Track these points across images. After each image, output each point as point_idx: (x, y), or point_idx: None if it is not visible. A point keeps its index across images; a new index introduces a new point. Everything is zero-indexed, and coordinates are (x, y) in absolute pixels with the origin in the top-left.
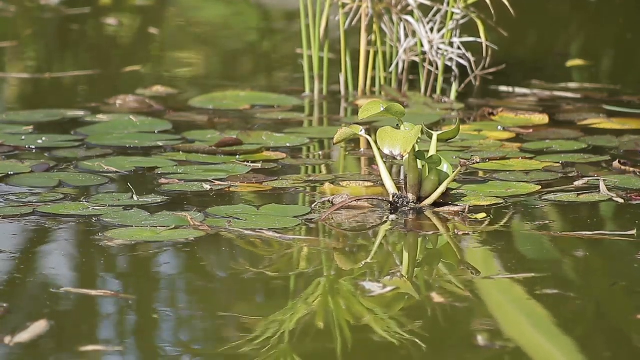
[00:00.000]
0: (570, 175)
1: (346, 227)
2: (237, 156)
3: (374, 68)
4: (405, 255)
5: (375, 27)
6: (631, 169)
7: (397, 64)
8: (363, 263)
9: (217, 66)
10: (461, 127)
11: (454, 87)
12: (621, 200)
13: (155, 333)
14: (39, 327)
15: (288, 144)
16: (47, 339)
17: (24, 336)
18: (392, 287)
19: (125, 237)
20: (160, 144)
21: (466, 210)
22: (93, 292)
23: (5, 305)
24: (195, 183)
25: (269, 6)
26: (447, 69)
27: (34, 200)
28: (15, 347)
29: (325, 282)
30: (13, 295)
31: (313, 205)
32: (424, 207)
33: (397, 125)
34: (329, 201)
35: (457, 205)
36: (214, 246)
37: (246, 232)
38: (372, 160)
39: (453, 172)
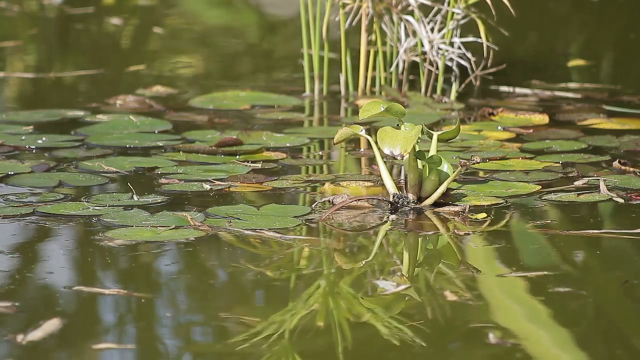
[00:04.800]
0: (570, 175)
1: (346, 227)
2: (237, 156)
3: (374, 68)
4: (406, 255)
5: (375, 27)
6: (631, 169)
7: (398, 64)
8: (363, 263)
9: (217, 66)
10: (461, 127)
11: (454, 87)
12: (621, 200)
13: (160, 332)
14: (51, 325)
15: (288, 144)
16: (59, 338)
17: (37, 334)
18: (405, 286)
19: (126, 237)
20: (160, 144)
21: (466, 210)
22: (106, 292)
23: (16, 304)
24: (195, 183)
25: (269, 6)
26: (448, 69)
27: (34, 200)
28: (28, 345)
29: (326, 282)
30: (22, 295)
31: (313, 205)
32: (424, 207)
33: (398, 125)
34: (329, 201)
35: (457, 205)
36: (214, 246)
37: (246, 232)
38: (372, 160)
39: (453, 172)
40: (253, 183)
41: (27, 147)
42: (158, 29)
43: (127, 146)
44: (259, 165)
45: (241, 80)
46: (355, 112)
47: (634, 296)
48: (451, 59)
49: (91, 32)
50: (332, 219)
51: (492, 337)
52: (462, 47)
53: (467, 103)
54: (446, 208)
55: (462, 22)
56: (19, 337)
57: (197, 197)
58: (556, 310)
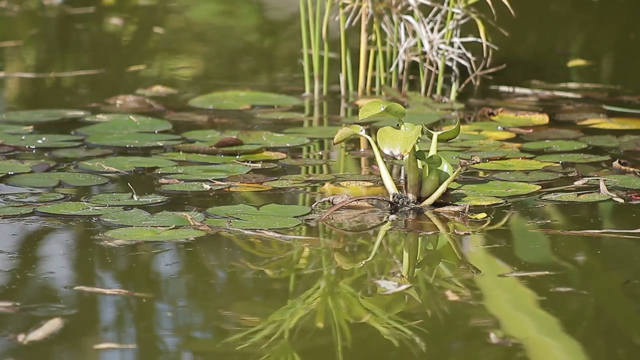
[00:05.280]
0: (570, 175)
1: (346, 227)
2: (237, 156)
3: (374, 68)
4: (406, 255)
5: (375, 27)
6: (631, 169)
7: (397, 64)
8: (363, 263)
9: (217, 66)
10: (461, 127)
11: (454, 87)
12: (621, 200)
13: (160, 332)
14: (52, 325)
15: (288, 144)
16: (60, 337)
17: (38, 334)
18: (406, 286)
19: (125, 237)
20: (160, 144)
21: (466, 210)
22: (107, 291)
23: (17, 304)
24: (195, 183)
25: (270, 6)
26: (447, 69)
27: (34, 200)
28: (29, 345)
29: (325, 282)
30: (23, 295)
31: (313, 205)
32: (424, 207)
33: (397, 125)
34: (329, 201)
35: (457, 205)
36: (214, 246)
37: (246, 232)
38: (372, 160)
39: (453, 172)
40: (253, 183)
41: (27, 147)
42: (158, 28)
43: (127, 146)
44: (259, 165)
45: (241, 80)
46: (355, 112)
47: (635, 296)
48: (451, 59)
49: (91, 32)
50: (332, 219)
51: (494, 337)
52: (462, 47)
53: (467, 103)
54: (446, 208)
55: (462, 22)
56: (20, 337)
57: (197, 197)
58: (557, 309)
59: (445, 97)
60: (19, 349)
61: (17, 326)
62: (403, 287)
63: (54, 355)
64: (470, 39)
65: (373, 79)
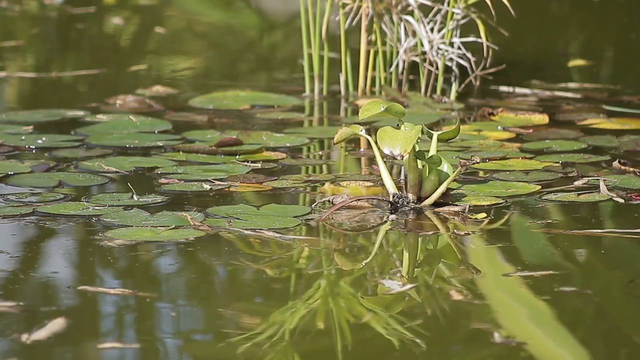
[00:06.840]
0: (570, 175)
1: (346, 227)
2: (237, 156)
3: (374, 68)
4: (406, 255)
5: (375, 27)
6: (631, 169)
7: (397, 64)
8: (363, 263)
9: (217, 66)
10: (461, 127)
11: (454, 87)
12: (621, 200)
13: (163, 332)
14: (56, 324)
15: (288, 144)
16: (64, 337)
17: (41, 334)
18: (411, 285)
19: (124, 237)
20: (160, 144)
21: (466, 210)
22: (111, 291)
23: (21, 303)
24: (195, 183)
25: (269, 6)
26: (447, 69)
27: (34, 200)
28: (32, 345)
29: (326, 282)
30: (26, 295)
31: (313, 205)
32: (424, 207)
33: (397, 125)
34: (329, 201)
35: (457, 205)
36: (214, 246)
37: (246, 232)
38: (372, 160)
39: (453, 172)
40: (253, 183)
41: (27, 147)
42: (160, 28)
43: (127, 146)
44: (259, 165)
45: (241, 80)
46: (355, 112)
47: (639, 296)
48: (451, 59)
49: (92, 32)
50: (332, 219)
51: (498, 337)
52: (462, 47)
53: (467, 103)
54: (446, 208)
55: (462, 22)
56: (24, 337)
57: (197, 197)
58: (561, 309)
59: (445, 97)
60: (23, 348)
61: (20, 326)
62: (408, 286)
63: (57, 355)
64: (470, 39)
65: (373, 79)
